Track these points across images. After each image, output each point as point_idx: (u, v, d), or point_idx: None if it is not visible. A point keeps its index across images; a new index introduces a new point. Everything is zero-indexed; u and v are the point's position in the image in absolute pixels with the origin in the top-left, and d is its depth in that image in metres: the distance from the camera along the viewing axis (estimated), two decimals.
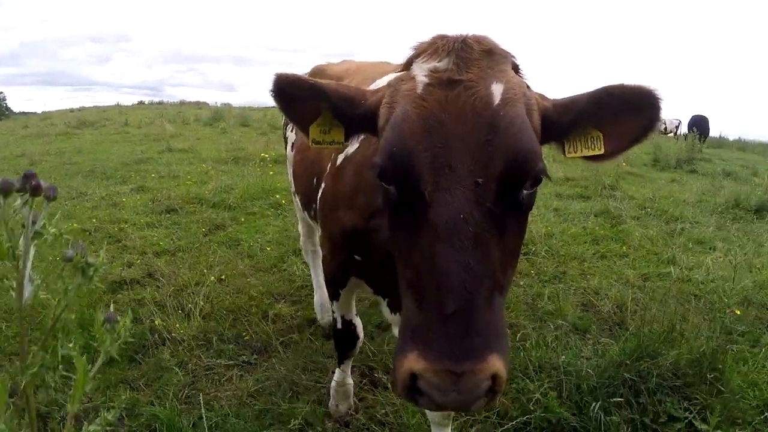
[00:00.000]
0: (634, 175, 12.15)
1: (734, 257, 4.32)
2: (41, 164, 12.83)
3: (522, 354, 3.82)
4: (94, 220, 7.39)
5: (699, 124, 22.89)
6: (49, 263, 4.62)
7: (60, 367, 0.91)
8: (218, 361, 3.90)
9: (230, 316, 4.52)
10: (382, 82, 2.77)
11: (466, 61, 1.65)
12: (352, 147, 2.48)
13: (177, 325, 4.24)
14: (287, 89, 1.83)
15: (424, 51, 1.75)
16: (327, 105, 1.86)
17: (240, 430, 3.19)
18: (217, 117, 24.41)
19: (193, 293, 4.79)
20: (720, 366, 3.63)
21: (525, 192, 1.56)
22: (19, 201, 0.79)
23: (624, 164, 12.35)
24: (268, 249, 6.16)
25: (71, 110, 32.86)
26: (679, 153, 15.71)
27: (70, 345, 0.92)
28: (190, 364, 3.84)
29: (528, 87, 1.75)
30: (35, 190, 0.74)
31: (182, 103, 39.34)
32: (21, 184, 0.75)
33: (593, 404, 3.29)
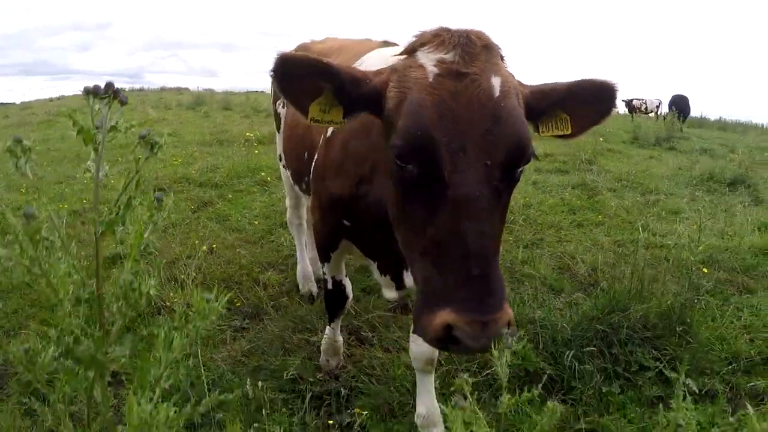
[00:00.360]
0: (613, 152, 12.40)
1: (700, 219, 4.55)
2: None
3: None
4: (84, 201, 7.49)
5: (679, 104, 23.19)
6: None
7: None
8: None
9: (222, 285, 4.68)
10: (368, 59, 2.95)
11: (471, 55, 1.85)
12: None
13: (171, 294, 4.40)
14: (291, 67, 1.91)
15: (429, 41, 1.92)
16: (330, 84, 1.97)
17: (236, 385, 3.36)
18: (200, 101, 24.32)
19: (185, 265, 4.94)
20: (688, 320, 3.86)
21: (518, 171, 1.85)
22: (99, 104, 0.98)
23: (603, 140, 12.61)
24: (256, 223, 6.33)
25: (50, 99, 32.32)
26: (659, 131, 16.02)
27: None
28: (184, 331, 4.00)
29: (513, 75, 1.98)
30: (116, 95, 0.94)
31: (163, 89, 38.96)
32: (104, 90, 0.94)
33: (567, 353, 3.51)
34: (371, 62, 2.83)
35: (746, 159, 10.39)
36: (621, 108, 28.20)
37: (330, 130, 2.76)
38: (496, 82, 1.82)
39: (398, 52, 2.09)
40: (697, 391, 3.49)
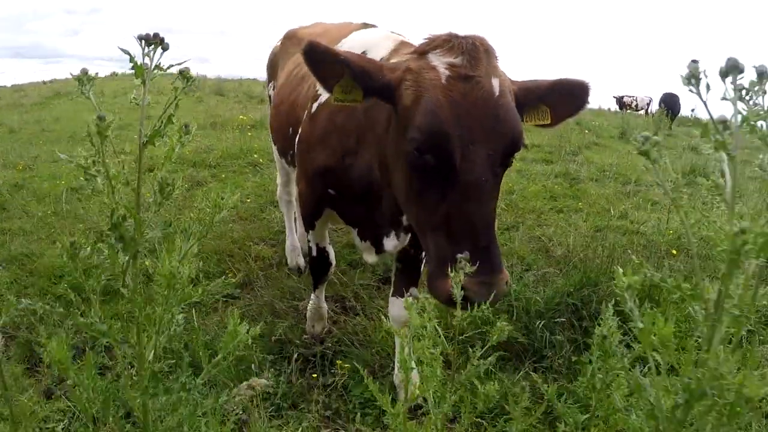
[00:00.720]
0: (600, 145, 12.65)
1: (668, 205, 4.79)
2: (20, 132, 12.83)
3: None
4: (82, 178, 7.63)
5: (669, 102, 23.43)
6: None
7: None
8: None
9: (215, 257, 4.88)
10: (348, 42, 3.20)
11: (475, 59, 2.17)
12: (325, 95, 2.87)
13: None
14: (318, 55, 2.27)
15: (440, 45, 2.24)
16: (348, 72, 2.29)
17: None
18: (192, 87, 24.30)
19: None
20: (656, 297, 4.10)
21: (511, 159, 2.24)
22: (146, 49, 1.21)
23: (590, 134, 12.86)
24: (248, 201, 6.53)
25: (44, 82, 31.94)
26: (646, 128, 16.28)
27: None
28: None
29: (505, 74, 2.32)
30: (162, 41, 1.16)
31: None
32: (153, 37, 1.17)
33: (539, 323, 3.74)
34: (349, 44, 3.16)
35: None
36: (612, 104, 28.51)
37: (314, 107, 3.00)
38: (495, 83, 2.17)
39: (406, 52, 2.51)
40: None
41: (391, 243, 2.95)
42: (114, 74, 37.46)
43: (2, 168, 8.43)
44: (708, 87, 0.98)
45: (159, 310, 1.26)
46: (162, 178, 1.23)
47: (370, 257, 3.16)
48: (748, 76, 0.96)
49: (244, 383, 3.20)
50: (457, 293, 1.37)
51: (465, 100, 2.11)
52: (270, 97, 4.85)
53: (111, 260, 1.22)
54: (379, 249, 3.07)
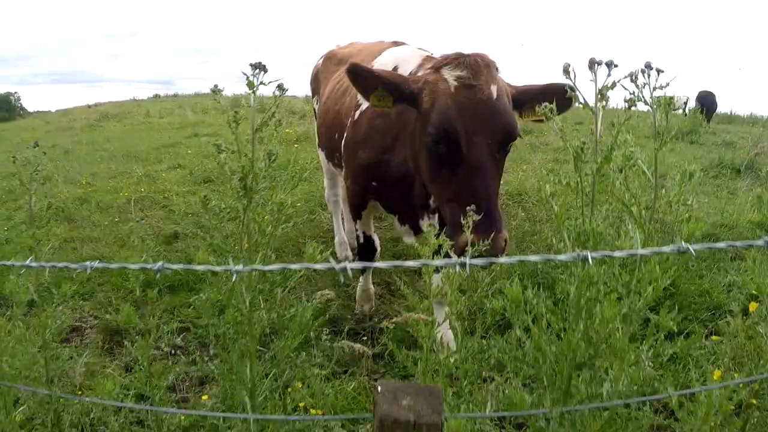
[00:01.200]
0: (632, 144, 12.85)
1: (680, 190, 5.15)
2: (75, 152, 13.17)
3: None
4: (142, 190, 8.37)
5: (705, 100, 23.33)
6: None
7: None
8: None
9: (273, 255, 5.44)
10: (381, 58, 3.81)
11: (477, 72, 2.83)
12: (365, 104, 3.47)
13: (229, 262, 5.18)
14: (358, 73, 2.99)
15: (450, 62, 2.89)
16: (381, 85, 2.99)
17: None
18: (236, 104, 24.99)
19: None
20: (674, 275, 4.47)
21: (508, 146, 2.87)
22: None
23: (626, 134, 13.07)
24: (298, 205, 7.13)
25: (88, 106, 32.77)
26: (682, 126, 16.35)
27: None
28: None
29: (504, 81, 3.01)
30: (263, 67, 1.73)
31: (197, 95, 39.73)
32: (256, 64, 1.73)
33: None
34: (383, 60, 3.85)
35: (757, 148, 10.81)
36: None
37: (357, 114, 3.60)
38: (493, 89, 2.82)
39: (427, 66, 3.14)
40: (675, 330, 4.09)
41: (425, 224, 3.52)
42: (157, 96, 38.53)
43: (65, 184, 9.01)
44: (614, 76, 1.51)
45: (269, 228, 1.92)
46: (269, 150, 1.80)
47: (410, 239, 3.72)
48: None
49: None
50: (468, 233, 1.89)
51: (469, 103, 2.78)
52: (315, 110, 5.48)
53: (234, 203, 1.81)
54: (417, 231, 3.63)
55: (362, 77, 3.00)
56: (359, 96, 3.30)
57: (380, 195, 3.72)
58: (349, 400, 3.37)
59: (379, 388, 1.44)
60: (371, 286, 4.40)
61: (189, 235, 6.19)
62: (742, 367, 2.52)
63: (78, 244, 6.08)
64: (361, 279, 4.36)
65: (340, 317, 4.26)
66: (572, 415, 1.69)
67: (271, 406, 2.14)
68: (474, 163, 2.72)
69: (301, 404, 2.67)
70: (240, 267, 1.72)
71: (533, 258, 1.58)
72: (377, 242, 4.20)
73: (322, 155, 5.03)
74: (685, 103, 29.65)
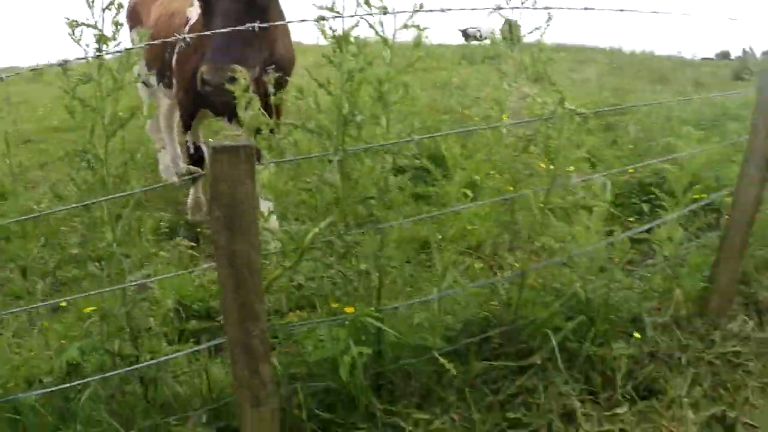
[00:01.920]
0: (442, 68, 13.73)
1: None
2: None
3: None
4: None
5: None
6: None
7: None
8: None
9: None
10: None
11: None
12: (192, 20, 3.85)
13: None
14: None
15: None
16: None
17: None
18: None
19: None
20: None
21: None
22: None
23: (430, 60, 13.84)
24: None
25: None
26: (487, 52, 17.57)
27: None
28: None
29: None
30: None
31: None
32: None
33: None
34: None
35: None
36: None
37: (186, 30, 3.87)
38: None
39: None
40: None
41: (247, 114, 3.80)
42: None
43: None
44: None
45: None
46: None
47: (239, 130, 4.01)
48: None
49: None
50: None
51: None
52: (132, 41, 5.34)
53: None
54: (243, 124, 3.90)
55: None
56: (188, 14, 3.57)
57: (208, 99, 3.89)
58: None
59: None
60: (202, 196, 4.48)
61: None
62: None
63: None
64: (192, 189, 4.46)
65: (176, 226, 4.33)
66: None
67: None
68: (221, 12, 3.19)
69: None
70: None
71: None
72: (206, 152, 4.34)
73: (147, 84, 5.01)
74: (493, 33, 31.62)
